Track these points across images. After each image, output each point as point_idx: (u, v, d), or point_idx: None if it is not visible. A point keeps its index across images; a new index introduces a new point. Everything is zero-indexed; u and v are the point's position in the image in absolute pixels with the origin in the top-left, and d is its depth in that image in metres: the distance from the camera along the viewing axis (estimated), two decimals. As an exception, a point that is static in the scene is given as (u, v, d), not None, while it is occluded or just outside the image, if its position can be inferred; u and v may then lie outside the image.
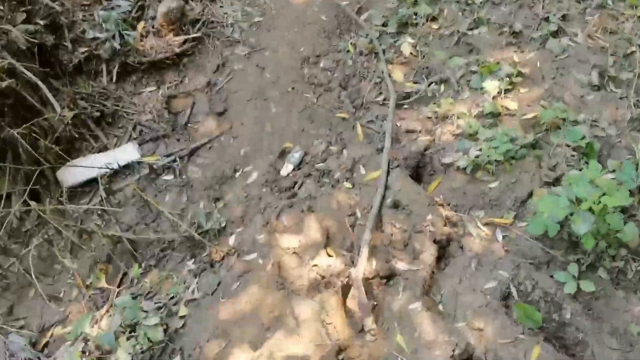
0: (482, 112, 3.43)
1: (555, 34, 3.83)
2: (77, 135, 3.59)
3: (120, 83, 3.95)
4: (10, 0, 3.57)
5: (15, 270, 3.22)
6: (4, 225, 2.98)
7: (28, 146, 2.95)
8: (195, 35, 4.03)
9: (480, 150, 3.12)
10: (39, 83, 3.11)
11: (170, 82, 4.01)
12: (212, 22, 4.30)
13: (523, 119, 3.36)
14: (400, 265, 2.76)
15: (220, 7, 4.42)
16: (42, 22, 3.65)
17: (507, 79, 3.51)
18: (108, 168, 3.26)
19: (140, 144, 3.73)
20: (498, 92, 3.42)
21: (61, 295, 3.17)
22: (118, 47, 3.82)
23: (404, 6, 4.18)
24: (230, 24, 4.30)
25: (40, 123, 3.18)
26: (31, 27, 3.60)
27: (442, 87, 3.73)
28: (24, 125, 2.96)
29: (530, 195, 2.99)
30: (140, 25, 4.01)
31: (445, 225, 2.91)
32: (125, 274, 3.13)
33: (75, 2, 3.97)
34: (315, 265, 2.77)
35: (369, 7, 4.32)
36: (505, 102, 3.45)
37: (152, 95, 3.93)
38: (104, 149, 3.72)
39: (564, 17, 3.91)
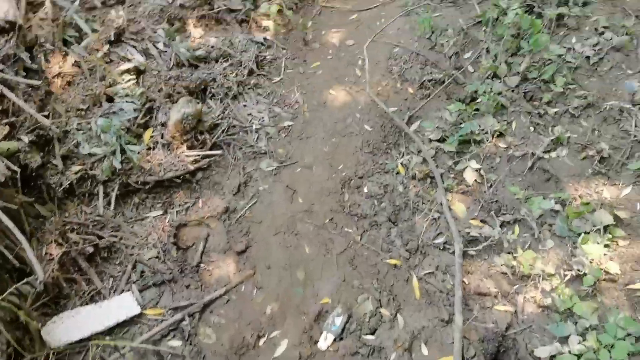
0: (574, 275, 2.77)
1: (654, 164, 3.20)
2: (64, 284, 2.93)
3: (120, 207, 3.32)
4: (-11, 112, 2.97)
5: None
6: None
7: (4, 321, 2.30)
8: (213, 152, 3.40)
9: (584, 342, 2.45)
10: (22, 240, 2.49)
11: (180, 205, 3.38)
12: (234, 126, 3.70)
13: (629, 290, 2.70)
14: None
15: (244, 106, 3.82)
16: (27, 139, 3.04)
17: (605, 232, 2.86)
18: (99, 332, 2.59)
19: (141, 290, 3.08)
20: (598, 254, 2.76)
21: None
22: (119, 166, 3.19)
23: (464, 116, 3.57)
24: (255, 130, 3.69)
25: (20, 288, 2.53)
26: (14, 145, 3.00)
27: (517, 230, 3.09)
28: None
29: (653, 412, 2.30)
30: (147, 135, 3.40)
31: None
32: None
33: (69, 106, 3.36)
34: None
35: (421, 115, 3.71)
36: (603, 262, 2.79)
37: (158, 223, 3.29)
38: (98, 294, 3.06)
39: (662, 142, 3.29)
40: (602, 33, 3.93)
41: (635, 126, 3.43)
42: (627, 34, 3.84)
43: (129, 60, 3.63)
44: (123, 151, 3.26)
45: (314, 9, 4.75)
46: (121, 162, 3.24)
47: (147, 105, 3.50)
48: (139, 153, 3.28)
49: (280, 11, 4.45)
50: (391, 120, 3.67)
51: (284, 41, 4.41)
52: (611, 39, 3.85)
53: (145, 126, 3.47)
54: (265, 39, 4.31)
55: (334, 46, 4.39)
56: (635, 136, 3.35)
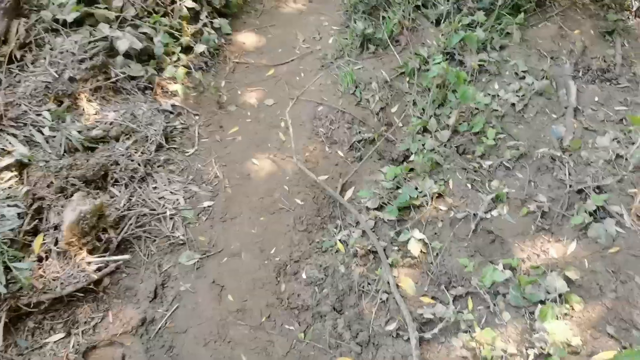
0: (537, 353, 2.59)
1: (594, 214, 3.13)
2: None
3: (10, 336, 2.72)
4: None
5: None
6: None
7: None
8: (119, 257, 2.92)
9: None
10: None
11: (86, 323, 2.84)
12: (145, 215, 3.22)
13: (594, 362, 2.55)
14: None
15: (154, 189, 3.35)
16: None
17: (560, 300, 2.71)
18: None
19: None
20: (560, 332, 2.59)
21: None
22: (3, 290, 2.62)
23: (400, 179, 3.35)
24: (170, 216, 3.24)
25: None
26: None
27: (470, 304, 2.88)
28: None
29: None
30: (37, 244, 2.85)
31: None
32: None
33: None
34: None
35: (355, 180, 3.45)
36: (564, 335, 2.63)
37: (60, 349, 2.73)
38: None
39: (599, 189, 3.24)
40: (523, 77, 3.92)
41: (569, 174, 3.39)
42: (546, 77, 3.86)
43: (8, 153, 3.06)
44: (7, 269, 2.69)
45: (227, 66, 4.37)
46: (6, 284, 2.66)
47: (34, 206, 2.94)
48: (28, 271, 2.72)
49: (188, 73, 4.04)
50: (324, 191, 3.37)
51: (196, 106, 3.99)
52: (532, 83, 3.84)
53: (35, 232, 2.91)
54: (173, 105, 3.87)
55: (252, 107, 4.04)
56: (570, 186, 3.30)
